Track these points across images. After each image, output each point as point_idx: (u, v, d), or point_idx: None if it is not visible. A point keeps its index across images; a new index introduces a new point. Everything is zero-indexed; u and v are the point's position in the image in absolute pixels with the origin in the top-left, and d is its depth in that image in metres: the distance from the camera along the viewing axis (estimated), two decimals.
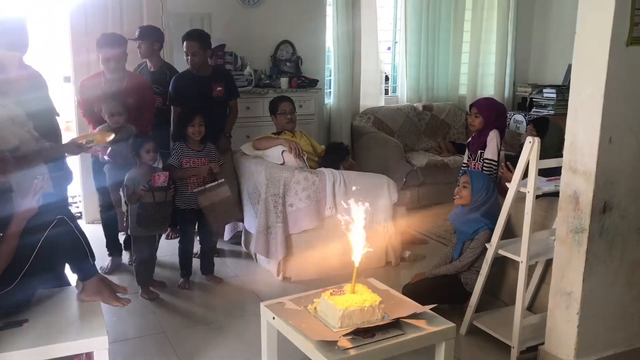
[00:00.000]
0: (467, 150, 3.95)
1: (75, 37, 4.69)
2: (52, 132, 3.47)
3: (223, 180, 3.76)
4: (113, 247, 4.09)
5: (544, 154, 2.88)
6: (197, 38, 4.19)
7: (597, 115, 2.53)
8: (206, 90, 4.23)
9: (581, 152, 2.63)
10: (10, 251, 2.29)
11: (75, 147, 3.24)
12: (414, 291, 3.00)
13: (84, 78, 4.15)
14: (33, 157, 2.86)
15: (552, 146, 3.51)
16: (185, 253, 3.83)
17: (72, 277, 2.77)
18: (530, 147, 2.79)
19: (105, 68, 3.94)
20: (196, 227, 3.87)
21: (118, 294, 2.61)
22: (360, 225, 2.30)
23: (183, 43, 4.20)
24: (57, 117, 3.66)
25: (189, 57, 4.17)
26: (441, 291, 3.22)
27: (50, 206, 2.44)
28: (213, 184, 3.69)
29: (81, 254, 2.48)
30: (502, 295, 3.50)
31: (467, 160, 3.92)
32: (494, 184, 3.32)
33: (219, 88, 4.29)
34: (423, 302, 2.50)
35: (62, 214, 2.43)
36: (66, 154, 3.29)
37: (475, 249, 3.21)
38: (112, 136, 3.42)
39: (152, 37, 4.39)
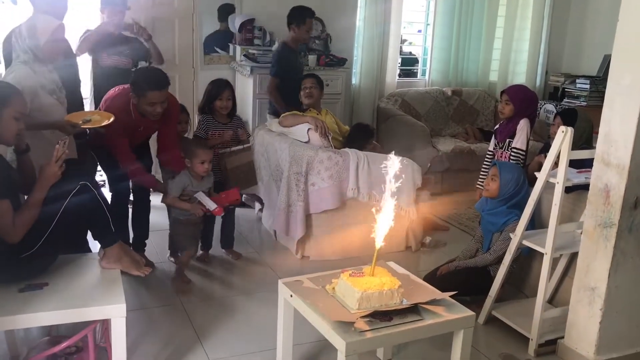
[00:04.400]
0: (493, 138, 3.87)
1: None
2: (77, 100, 3.48)
3: (249, 145, 3.82)
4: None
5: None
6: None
7: (635, 106, 2.44)
8: (300, 63, 4.87)
9: (615, 144, 2.55)
10: (33, 217, 2.31)
11: (69, 127, 2.96)
12: (440, 282, 2.92)
13: (113, 95, 3.40)
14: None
15: (579, 139, 3.41)
16: (207, 226, 3.83)
17: (94, 244, 2.79)
18: (563, 136, 2.71)
19: (148, 113, 3.26)
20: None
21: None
22: (389, 208, 2.26)
23: (306, 20, 4.63)
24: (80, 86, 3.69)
25: (307, 35, 4.77)
26: (469, 283, 3.16)
27: (73, 172, 2.45)
28: (239, 147, 3.73)
29: (103, 220, 2.49)
30: (525, 288, 3.44)
31: (494, 148, 3.84)
32: (525, 176, 3.23)
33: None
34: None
35: (85, 180, 2.43)
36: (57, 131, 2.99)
37: (506, 240, 3.13)
38: (112, 118, 3.07)
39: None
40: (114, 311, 2.29)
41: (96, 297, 2.35)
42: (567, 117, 3.51)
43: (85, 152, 3.55)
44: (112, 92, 3.44)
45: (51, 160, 2.33)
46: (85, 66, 4.53)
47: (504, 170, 3.22)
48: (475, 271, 3.24)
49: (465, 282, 3.12)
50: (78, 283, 2.43)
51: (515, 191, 3.18)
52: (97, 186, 2.53)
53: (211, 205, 3.31)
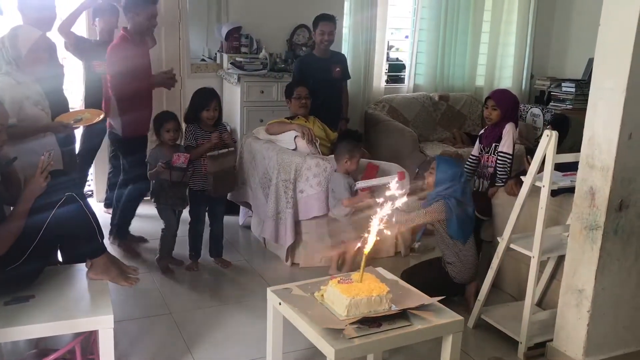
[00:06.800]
0: (477, 143, 3.89)
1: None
2: (62, 109, 3.46)
3: (233, 149, 3.82)
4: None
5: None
6: (334, 20, 4.58)
7: (617, 110, 2.47)
8: (327, 71, 4.60)
9: (599, 147, 2.57)
10: (18, 228, 2.29)
11: (61, 127, 3.09)
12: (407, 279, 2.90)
13: (115, 45, 3.80)
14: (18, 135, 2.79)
15: (576, 145, 3.41)
16: (195, 235, 3.82)
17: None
18: (548, 140, 2.74)
19: (147, 28, 3.78)
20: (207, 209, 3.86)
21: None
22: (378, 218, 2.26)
23: (318, 23, 4.52)
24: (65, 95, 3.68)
25: (324, 37, 4.52)
26: (431, 285, 3.12)
27: (60, 183, 2.44)
28: (224, 150, 3.70)
29: (89, 231, 2.48)
30: (513, 292, 3.46)
31: (479, 153, 3.86)
32: (462, 173, 3.26)
33: (337, 69, 4.71)
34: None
35: (71, 191, 2.42)
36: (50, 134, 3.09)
37: (427, 213, 3.18)
38: (103, 115, 3.23)
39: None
40: (102, 322, 2.28)
41: (83, 309, 2.33)
42: (559, 124, 3.50)
43: (74, 159, 3.56)
44: (108, 51, 3.78)
45: (36, 172, 2.32)
46: (76, 73, 4.54)
47: (441, 166, 3.22)
48: (435, 273, 3.24)
49: (426, 284, 3.02)
50: (65, 295, 2.42)
51: (448, 187, 3.18)
52: (84, 197, 2.52)
53: (386, 180, 3.50)
